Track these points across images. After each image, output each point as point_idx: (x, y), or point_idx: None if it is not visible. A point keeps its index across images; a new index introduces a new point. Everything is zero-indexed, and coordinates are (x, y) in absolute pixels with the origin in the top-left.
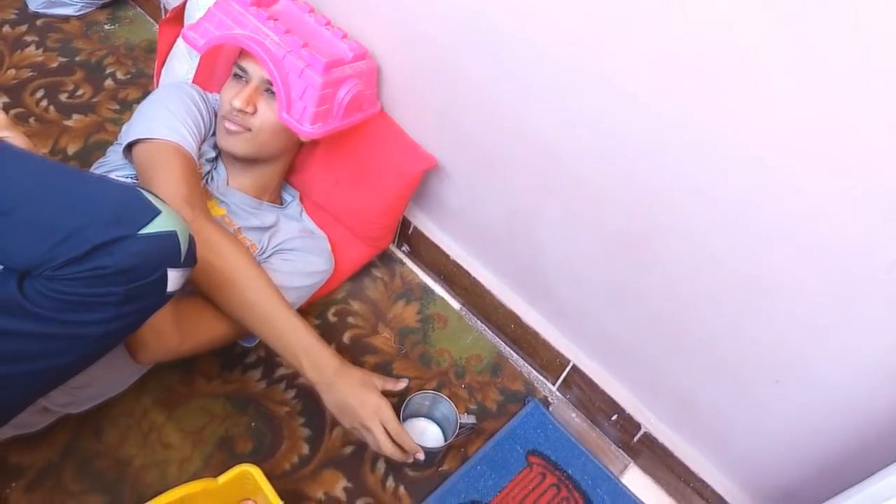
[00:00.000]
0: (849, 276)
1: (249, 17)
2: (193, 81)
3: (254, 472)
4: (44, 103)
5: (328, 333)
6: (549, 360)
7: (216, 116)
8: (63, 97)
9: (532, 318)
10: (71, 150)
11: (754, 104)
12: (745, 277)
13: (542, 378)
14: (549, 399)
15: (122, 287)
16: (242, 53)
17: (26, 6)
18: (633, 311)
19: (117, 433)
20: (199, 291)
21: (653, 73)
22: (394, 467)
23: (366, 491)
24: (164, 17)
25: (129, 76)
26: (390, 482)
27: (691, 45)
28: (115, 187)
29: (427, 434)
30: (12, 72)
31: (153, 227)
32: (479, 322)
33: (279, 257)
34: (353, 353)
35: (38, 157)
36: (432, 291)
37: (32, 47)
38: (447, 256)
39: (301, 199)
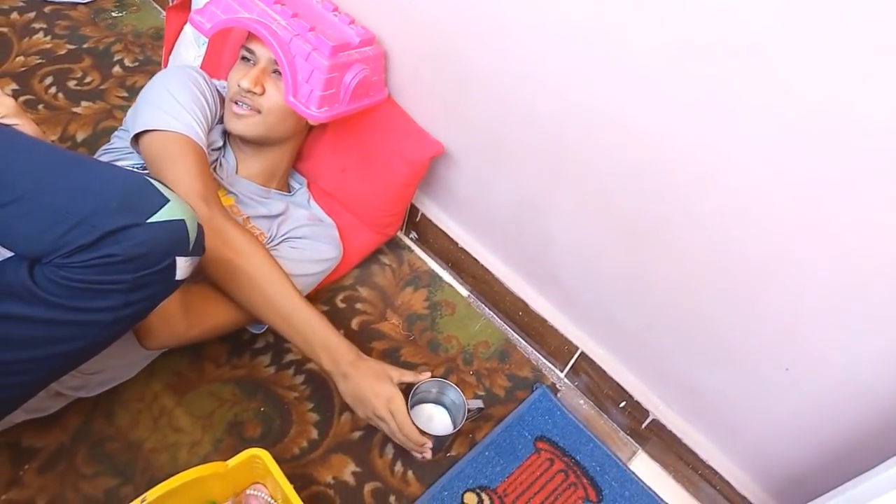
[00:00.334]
0: (858, 261)
1: (257, 2)
2: (201, 68)
3: (263, 456)
4: (52, 90)
5: (336, 320)
6: (558, 347)
7: (223, 102)
8: (71, 84)
9: (540, 305)
10: (80, 136)
11: (764, 89)
12: (755, 264)
13: (550, 365)
14: (558, 386)
15: (131, 275)
16: (250, 37)
17: None
18: (641, 298)
19: (128, 417)
20: (216, 286)
21: (662, 60)
22: (402, 452)
23: (374, 475)
24: (171, 4)
25: (136, 63)
26: (398, 467)
27: (701, 31)
28: (123, 175)
29: (435, 419)
30: (21, 59)
31: (162, 216)
32: (487, 309)
33: (288, 245)
34: (362, 340)
35: (47, 145)
36: (440, 278)
37: (41, 34)
38: (455, 243)
39: (308, 187)
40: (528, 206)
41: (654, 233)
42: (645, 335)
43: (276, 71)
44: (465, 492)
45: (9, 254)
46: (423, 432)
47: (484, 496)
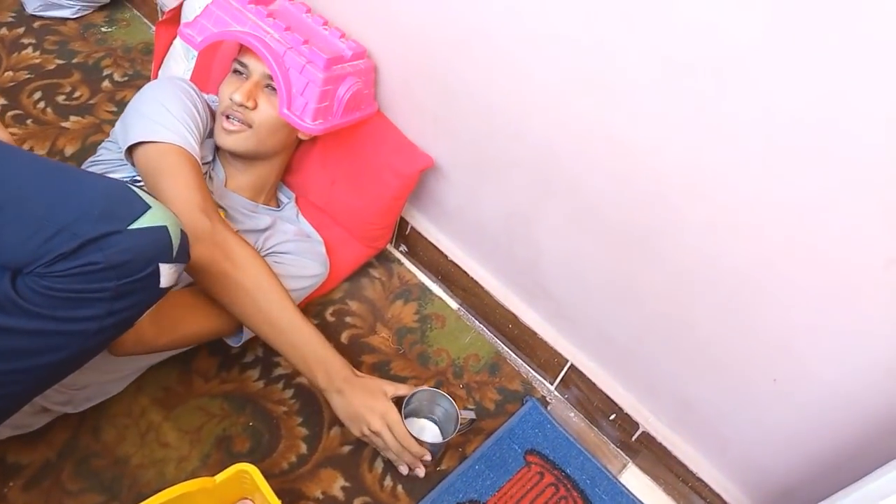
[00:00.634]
0: (846, 273)
1: (248, 14)
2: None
3: (251, 471)
4: (41, 105)
5: (326, 333)
6: (548, 360)
7: (213, 115)
8: (60, 99)
9: (530, 317)
10: (68, 151)
11: (750, 103)
12: (743, 276)
13: (540, 378)
14: (548, 398)
15: (113, 282)
16: (242, 50)
17: (24, 8)
18: (631, 311)
19: (115, 432)
20: (212, 297)
21: (650, 74)
22: (392, 466)
23: (364, 490)
24: (161, 18)
25: (126, 78)
26: (388, 481)
27: (687, 46)
28: (104, 182)
29: (427, 431)
30: (10, 74)
31: (144, 222)
32: (477, 322)
33: (271, 259)
34: (352, 353)
35: (27, 154)
36: (430, 291)
37: (30, 49)
38: (445, 256)
39: (297, 200)
40: (518, 218)
41: (643, 245)
42: (634, 347)
43: (268, 85)
44: None
45: None
46: (420, 442)
47: None
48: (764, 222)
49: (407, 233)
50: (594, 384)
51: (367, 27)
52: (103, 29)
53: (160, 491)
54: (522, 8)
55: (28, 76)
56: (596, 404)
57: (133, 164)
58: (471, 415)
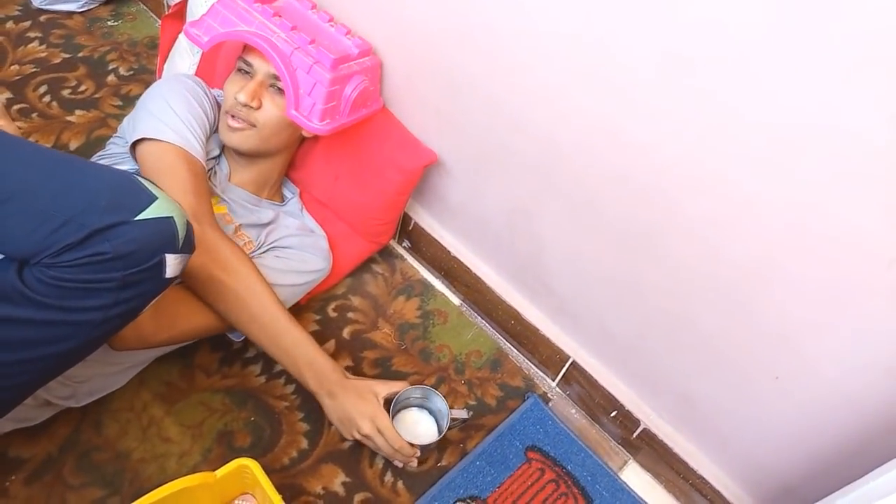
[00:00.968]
0: (849, 271)
1: (255, 14)
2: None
3: (252, 466)
4: (46, 99)
5: (328, 329)
6: (549, 356)
7: (218, 106)
8: (66, 93)
9: (532, 314)
10: (73, 145)
11: (752, 98)
12: (745, 273)
13: (541, 374)
14: (549, 395)
15: (120, 273)
16: (247, 48)
17: (30, 2)
18: (632, 307)
19: (117, 427)
20: (207, 304)
21: (651, 69)
22: (391, 462)
23: (364, 485)
24: (166, 12)
25: (131, 72)
26: (388, 477)
27: (689, 40)
28: (110, 173)
29: (421, 424)
30: (15, 67)
31: (150, 213)
32: (479, 318)
33: (273, 254)
34: (354, 349)
35: (34, 145)
36: (433, 287)
37: (36, 43)
38: (448, 252)
39: (301, 195)
40: (520, 214)
41: (644, 241)
42: (636, 344)
43: (272, 85)
44: (455, 502)
45: None
46: (411, 445)
47: None
48: (766, 218)
49: (410, 228)
50: (595, 381)
51: (372, 22)
52: (109, 23)
53: (161, 485)
54: (525, 3)
55: (34, 70)
56: (597, 401)
57: (136, 160)
58: (463, 414)
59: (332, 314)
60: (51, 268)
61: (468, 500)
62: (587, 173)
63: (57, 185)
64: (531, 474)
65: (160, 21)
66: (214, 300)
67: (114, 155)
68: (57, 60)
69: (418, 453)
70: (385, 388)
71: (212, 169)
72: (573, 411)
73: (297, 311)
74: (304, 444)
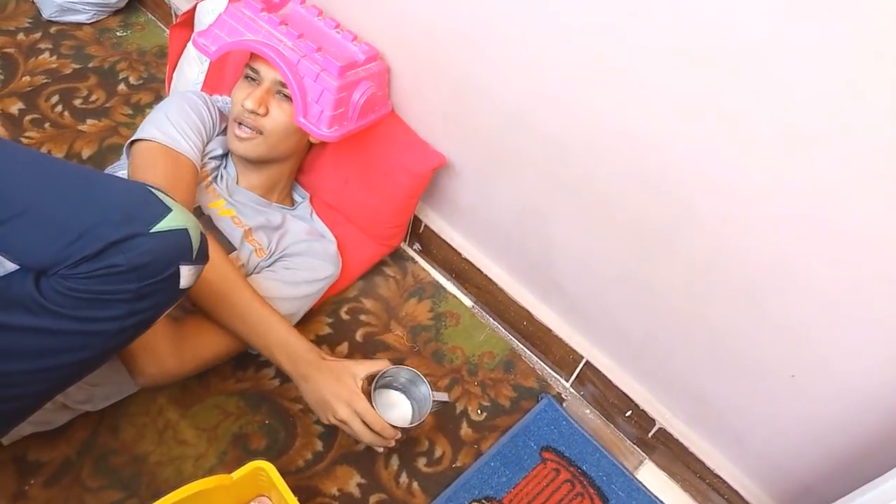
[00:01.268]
0: (864, 266)
1: (261, 23)
2: (204, 85)
3: (267, 468)
4: (58, 109)
5: (341, 332)
6: (563, 357)
7: (222, 116)
8: (77, 102)
9: (545, 314)
10: (85, 153)
11: (766, 95)
12: (758, 269)
13: (555, 374)
14: (563, 395)
15: (135, 284)
16: (253, 55)
17: (40, 14)
18: (646, 306)
19: (134, 430)
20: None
21: (663, 66)
22: (407, 463)
23: (379, 487)
24: (175, 21)
25: (141, 81)
26: (403, 478)
27: (701, 37)
28: (125, 185)
29: (398, 406)
30: (27, 78)
31: (164, 225)
32: (491, 319)
33: (283, 265)
34: (366, 351)
35: (48, 157)
36: (444, 289)
37: (47, 54)
38: (459, 254)
39: (311, 200)
40: (531, 214)
41: (656, 239)
42: (650, 343)
43: (279, 91)
44: (471, 502)
45: (16, 266)
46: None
47: None
48: (779, 214)
49: (420, 231)
50: (610, 380)
51: (379, 28)
52: (118, 33)
53: (178, 488)
54: (532, 3)
55: (45, 80)
56: (611, 401)
57: None
58: (443, 397)
59: (345, 317)
60: (67, 279)
61: (483, 501)
62: (597, 172)
63: (73, 198)
64: (546, 475)
65: (169, 30)
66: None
67: (122, 165)
68: (68, 71)
69: (399, 435)
70: (364, 369)
71: (216, 172)
72: (587, 411)
73: (310, 314)
74: (319, 446)
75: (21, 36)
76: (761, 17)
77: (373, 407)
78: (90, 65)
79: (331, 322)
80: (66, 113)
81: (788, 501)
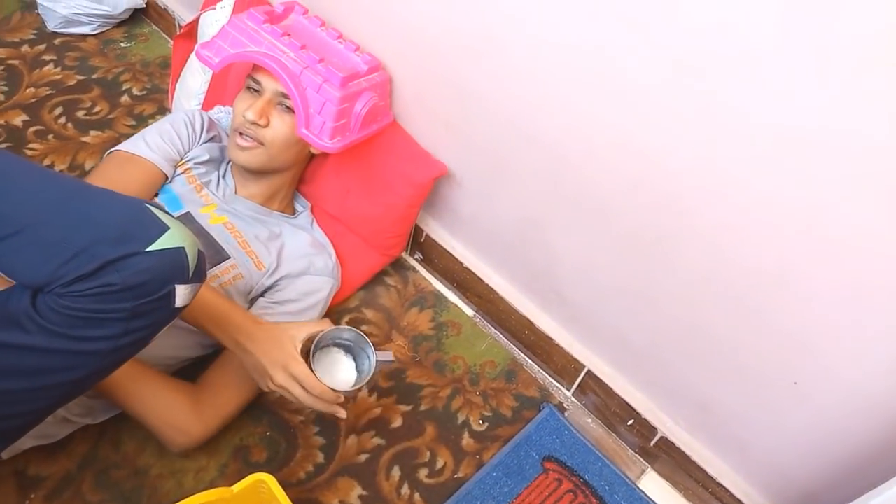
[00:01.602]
0: (865, 273)
1: (264, 35)
2: (206, 95)
3: (268, 480)
4: (62, 120)
5: None
6: (564, 366)
7: (212, 124)
8: (80, 114)
9: (546, 323)
10: (88, 165)
11: (762, 103)
12: (759, 277)
13: (556, 384)
14: (565, 405)
15: (129, 303)
16: (255, 66)
17: (44, 26)
18: (647, 315)
19: (135, 444)
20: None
21: (660, 76)
22: (409, 473)
23: (381, 498)
24: (178, 32)
25: (144, 92)
26: (405, 489)
27: (697, 47)
28: (122, 203)
29: (339, 364)
30: (31, 90)
31: (161, 244)
32: (492, 328)
33: (285, 295)
34: None
35: (45, 172)
36: (445, 298)
37: (51, 66)
38: (460, 263)
39: (313, 209)
40: (532, 224)
41: (657, 248)
42: (651, 351)
43: (281, 103)
44: None
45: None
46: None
47: None
48: (779, 221)
49: (422, 240)
50: (611, 389)
51: (381, 38)
52: (122, 44)
53: (179, 501)
54: (532, 14)
55: (49, 92)
56: (613, 410)
57: None
58: (388, 356)
59: None
60: (62, 297)
61: None
62: (597, 182)
63: (69, 216)
64: (548, 485)
65: (172, 41)
66: None
67: None
68: (72, 82)
69: (341, 399)
70: (303, 330)
71: (207, 178)
72: (589, 420)
73: None
74: (320, 457)
75: (26, 48)
76: (755, 26)
77: (312, 371)
78: (94, 76)
79: None
80: (69, 124)
81: None
